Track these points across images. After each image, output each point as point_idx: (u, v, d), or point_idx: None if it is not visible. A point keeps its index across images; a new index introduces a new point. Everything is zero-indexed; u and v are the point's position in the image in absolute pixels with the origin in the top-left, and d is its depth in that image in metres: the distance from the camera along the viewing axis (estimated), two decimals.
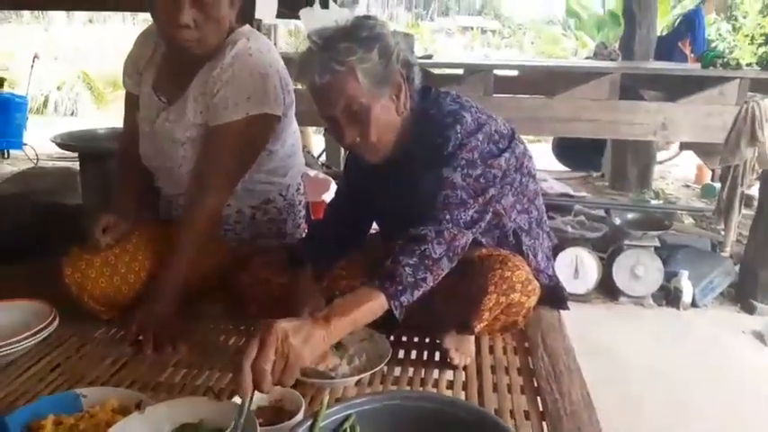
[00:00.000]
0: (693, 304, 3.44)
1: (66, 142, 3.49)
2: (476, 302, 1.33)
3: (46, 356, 1.43)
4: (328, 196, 2.82)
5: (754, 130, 3.41)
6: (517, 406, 1.24)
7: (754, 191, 3.86)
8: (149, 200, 1.81)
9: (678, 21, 6.57)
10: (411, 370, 1.39)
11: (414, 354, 1.46)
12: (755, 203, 3.74)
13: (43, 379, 1.34)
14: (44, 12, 12.30)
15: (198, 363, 1.40)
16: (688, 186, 6.18)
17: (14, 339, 1.37)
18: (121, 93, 1.88)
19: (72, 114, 9.66)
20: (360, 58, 1.29)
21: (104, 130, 3.86)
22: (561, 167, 6.50)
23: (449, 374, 1.37)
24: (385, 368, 1.36)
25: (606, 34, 9.82)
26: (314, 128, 5.76)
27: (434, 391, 1.30)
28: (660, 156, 6.37)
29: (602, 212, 4.07)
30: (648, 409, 2.49)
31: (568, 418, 1.19)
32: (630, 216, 3.74)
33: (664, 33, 6.53)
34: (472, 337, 1.44)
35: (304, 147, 2.32)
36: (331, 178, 3.23)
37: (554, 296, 1.61)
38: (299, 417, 1.08)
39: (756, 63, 4.92)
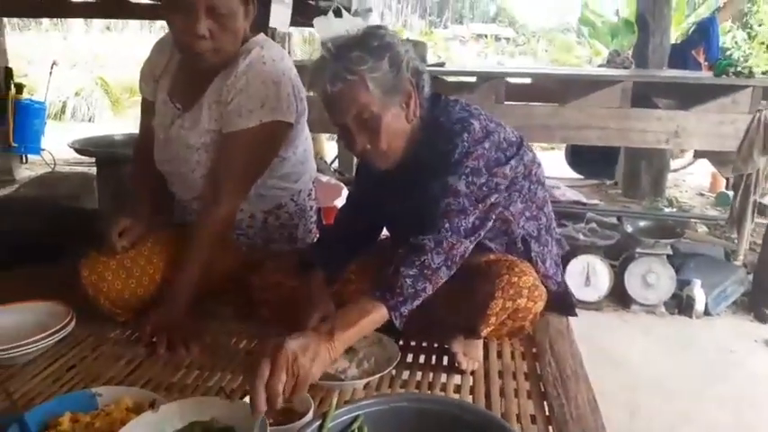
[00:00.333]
0: (706, 313, 3.42)
1: (84, 148, 3.56)
2: (483, 307, 1.35)
3: (63, 356, 1.46)
4: (340, 202, 2.85)
5: (766, 138, 3.40)
6: (524, 410, 1.25)
7: None
8: (164, 204, 1.84)
9: (692, 29, 6.56)
10: (419, 374, 1.40)
11: (422, 358, 1.48)
12: None
13: (60, 378, 1.37)
14: (63, 19, 12.51)
15: (210, 364, 1.43)
16: (702, 195, 6.15)
17: (32, 339, 1.41)
18: (138, 99, 1.93)
19: (89, 120, 9.79)
20: (370, 67, 1.31)
21: (121, 135, 3.93)
22: (574, 175, 6.49)
23: (457, 379, 1.38)
24: (393, 371, 1.38)
25: (620, 42, 9.78)
26: (327, 135, 5.81)
27: (442, 394, 1.32)
28: (674, 164, 6.35)
29: (614, 220, 4.07)
30: (658, 418, 2.49)
31: (574, 422, 1.20)
32: (643, 224, 3.74)
33: (678, 41, 6.51)
34: (480, 342, 1.45)
35: (317, 153, 2.35)
36: (342, 184, 3.26)
37: (562, 302, 1.62)
38: (309, 417, 1.10)
39: None
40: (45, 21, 12.96)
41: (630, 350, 3.03)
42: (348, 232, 1.66)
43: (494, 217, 1.40)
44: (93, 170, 4.12)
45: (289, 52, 3.27)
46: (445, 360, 1.45)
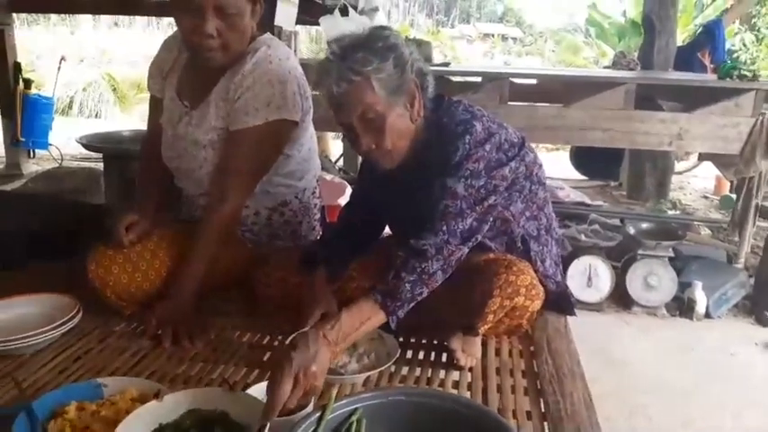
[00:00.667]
0: (707, 315, 3.43)
1: (92, 143, 3.59)
2: (481, 305, 1.38)
3: (70, 347, 1.49)
4: (343, 200, 2.87)
5: None
6: (520, 406, 1.28)
7: None
8: (170, 200, 1.87)
9: (699, 31, 6.55)
10: (418, 369, 1.43)
11: (421, 354, 1.50)
12: None
13: (67, 368, 1.40)
14: (70, 15, 12.56)
15: (213, 356, 1.46)
16: (707, 197, 6.15)
17: (40, 330, 1.45)
18: (144, 95, 1.96)
19: (96, 116, 9.83)
20: (375, 68, 1.34)
21: (128, 131, 3.97)
22: (579, 176, 6.50)
23: (455, 375, 1.41)
24: (393, 367, 1.41)
25: (627, 43, 9.80)
26: (333, 133, 5.83)
27: (440, 390, 1.34)
28: (679, 166, 6.35)
29: (617, 222, 4.08)
30: (658, 419, 2.50)
31: (569, 418, 1.22)
32: (645, 226, 3.75)
33: (685, 43, 6.51)
34: (478, 339, 1.48)
35: (322, 152, 2.37)
36: (346, 182, 3.28)
37: (561, 302, 1.65)
38: (309, 409, 1.12)
39: None
40: (53, 16, 13.03)
41: (631, 352, 3.05)
42: (351, 230, 1.69)
43: (492, 218, 1.42)
44: (100, 165, 4.16)
45: (295, 51, 3.29)
46: (444, 357, 1.47)
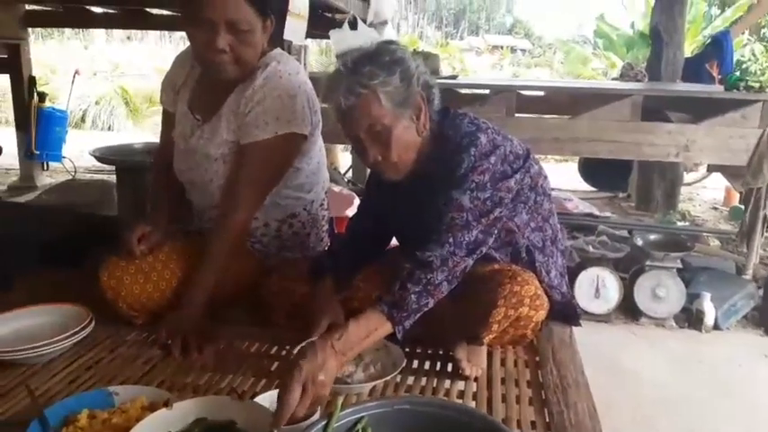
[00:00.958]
0: (716, 327, 3.41)
1: (105, 156, 3.64)
2: (485, 315, 1.40)
3: (82, 357, 1.52)
4: (351, 211, 2.89)
5: None
6: (524, 416, 1.29)
7: None
8: (182, 212, 1.90)
9: (707, 42, 6.55)
10: (424, 379, 1.45)
11: (427, 364, 1.52)
12: None
13: (79, 377, 1.43)
14: (84, 30, 12.75)
15: (223, 366, 1.48)
16: (716, 208, 6.13)
17: (53, 340, 1.48)
18: (157, 108, 2.00)
19: (109, 129, 9.93)
20: (382, 81, 1.36)
21: (140, 144, 4.02)
22: (588, 187, 6.50)
23: (460, 384, 1.42)
24: (398, 377, 1.42)
25: (635, 54, 9.80)
26: (342, 146, 5.87)
27: (445, 399, 1.35)
28: (688, 178, 6.33)
29: (625, 233, 4.07)
30: (666, 431, 2.49)
31: (573, 428, 1.23)
32: (653, 237, 3.75)
33: (693, 54, 6.51)
34: (484, 349, 1.49)
35: (331, 163, 2.40)
36: (354, 194, 3.30)
37: (567, 312, 1.66)
38: (315, 417, 1.14)
39: None
40: (67, 30, 13.23)
41: (639, 363, 3.04)
42: (358, 241, 1.71)
43: (497, 230, 1.44)
44: (113, 178, 4.21)
45: (305, 64, 3.33)
46: (449, 366, 1.49)
